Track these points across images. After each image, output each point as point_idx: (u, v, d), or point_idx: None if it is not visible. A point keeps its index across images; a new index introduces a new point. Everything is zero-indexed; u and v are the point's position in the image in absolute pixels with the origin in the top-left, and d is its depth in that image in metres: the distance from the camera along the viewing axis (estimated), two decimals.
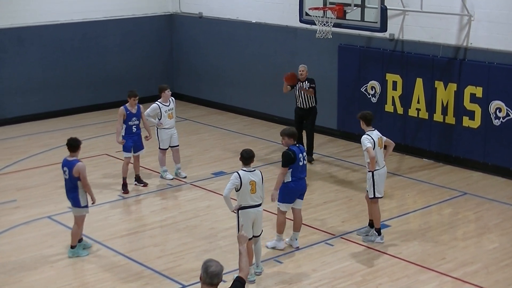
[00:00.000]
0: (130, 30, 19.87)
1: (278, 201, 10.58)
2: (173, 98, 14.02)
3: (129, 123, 13.32)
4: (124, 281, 10.00)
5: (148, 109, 13.66)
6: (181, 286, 9.85)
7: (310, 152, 15.00)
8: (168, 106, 13.76)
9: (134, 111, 13.33)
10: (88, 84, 19.38)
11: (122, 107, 13.30)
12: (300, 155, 10.43)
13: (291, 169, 10.35)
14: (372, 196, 10.98)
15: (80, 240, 10.94)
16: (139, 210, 12.89)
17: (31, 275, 10.24)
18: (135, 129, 13.38)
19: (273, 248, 10.74)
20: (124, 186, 13.40)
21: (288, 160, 10.33)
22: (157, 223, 12.09)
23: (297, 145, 10.55)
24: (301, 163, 10.43)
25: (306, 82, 14.75)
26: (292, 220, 10.95)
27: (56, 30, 18.61)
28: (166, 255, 10.79)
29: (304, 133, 15.02)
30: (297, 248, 10.80)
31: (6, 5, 17.87)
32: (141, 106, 13.51)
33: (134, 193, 13.40)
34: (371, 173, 10.87)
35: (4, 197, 13.25)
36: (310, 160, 14.85)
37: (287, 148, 10.48)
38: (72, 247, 10.81)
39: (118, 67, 19.81)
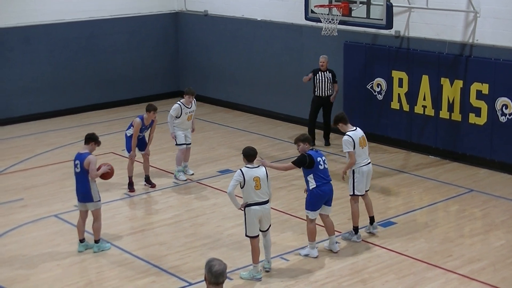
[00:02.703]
0: (136, 28, 19.90)
1: (306, 208, 10.44)
2: (195, 100, 13.99)
3: (139, 133, 13.30)
4: (131, 279, 10.03)
5: (171, 111, 13.67)
6: (187, 284, 9.87)
7: (326, 136, 16.04)
8: (189, 108, 13.77)
9: (147, 124, 13.28)
10: (95, 82, 19.42)
11: (138, 119, 13.11)
12: (319, 158, 10.23)
13: (312, 174, 10.21)
14: (352, 193, 11.00)
15: (83, 240, 10.97)
16: (145, 208, 12.91)
17: (38, 273, 10.27)
18: (140, 137, 13.38)
19: (307, 255, 10.55)
20: (130, 185, 13.42)
21: (301, 161, 10.18)
22: (164, 221, 12.11)
23: (314, 150, 10.43)
24: (321, 167, 10.22)
25: (328, 72, 15.58)
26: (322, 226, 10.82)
27: (62, 29, 18.65)
28: (173, 253, 10.81)
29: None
30: (337, 252, 10.60)
31: (13, 4, 17.92)
32: (156, 119, 13.44)
33: (140, 192, 13.43)
34: (352, 170, 10.88)
35: (11, 196, 13.29)
36: (327, 144, 15.85)
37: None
38: (96, 241, 10.86)
39: (124, 65, 19.84)
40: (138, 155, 13.59)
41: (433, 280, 9.84)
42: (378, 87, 15.80)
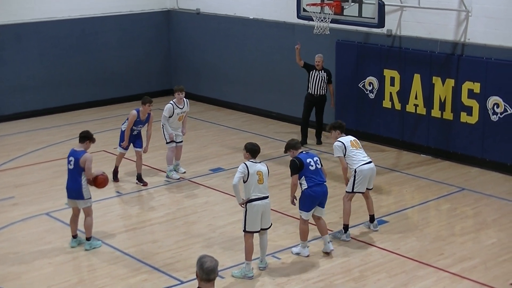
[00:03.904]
0: (128, 26, 19.86)
1: (299, 208, 10.45)
2: (187, 100, 13.92)
3: (133, 127, 13.27)
4: (122, 277, 10.01)
5: (164, 112, 13.58)
6: (179, 282, 9.86)
7: (318, 135, 16.06)
8: (181, 108, 13.71)
9: (143, 118, 13.27)
10: (86, 80, 19.37)
11: (134, 111, 13.15)
12: (309, 160, 10.23)
13: (303, 176, 10.20)
14: (350, 190, 11.02)
15: (75, 236, 10.96)
16: (137, 206, 12.87)
17: (29, 271, 10.24)
18: (136, 132, 13.38)
19: (298, 254, 10.55)
20: (115, 174, 13.56)
21: (294, 167, 10.21)
22: (156, 219, 12.09)
23: (304, 152, 10.45)
24: (312, 168, 10.21)
25: (323, 71, 15.61)
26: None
27: (54, 26, 18.58)
28: (165, 251, 10.80)
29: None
30: (332, 251, 10.54)
31: (4, 2, 17.85)
32: (151, 114, 13.41)
33: (132, 190, 13.41)
34: (354, 170, 10.90)
35: (2, 194, 13.24)
36: (319, 143, 15.90)
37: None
38: (88, 239, 10.85)
39: (116, 63, 19.80)
40: (132, 152, 13.58)
41: (424, 279, 9.86)
42: (370, 86, 15.82)
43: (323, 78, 15.59)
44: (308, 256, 10.50)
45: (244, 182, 9.68)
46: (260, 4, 17.99)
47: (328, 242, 10.62)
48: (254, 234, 9.89)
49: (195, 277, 6.04)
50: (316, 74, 15.60)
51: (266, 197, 9.79)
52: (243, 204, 9.78)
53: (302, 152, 10.40)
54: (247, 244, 9.85)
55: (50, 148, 15.97)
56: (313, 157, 10.37)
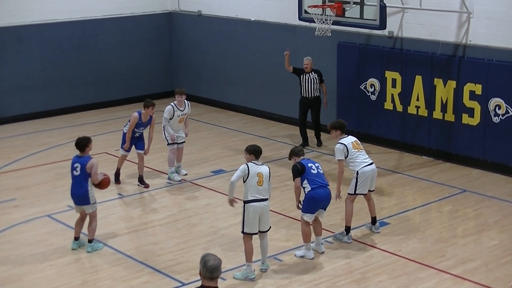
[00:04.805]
0: (129, 28, 19.87)
1: (302, 211, 10.47)
2: (188, 102, 13.92)
3: (135, 129, 13.27)
4: (124, 279, 10.01)
5: (165, 113, 13.58)
6: (181, 284, 9.86)
7: (318, 137, 16.08)
8: (182, 111, 13.71)
9: (145, 120, 13.27)
10: (87, 82, 19.38)
11: (136, 114, 13.15)
12: (310, 164, 10.37)
13: (305, 179, 10.27)
14: (352, 192, 11.03)
15: (77, 238, 10.97)
16: (139, 208, 12.88)
17: (31, 273, 10.24)
18: (137, 135, 13.39)
19: (302, 257, 10.54)
20: (117, 176, 13.56)
21: (295, 171, 10.32)
22: (157, 221, 12.10)
23: (306, 158, 10.55)
24: (313, 171, 10.30)
25: (313, 73, 15.62)
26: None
27: (55, 28, 18.60)
28: (166, 253, 10.80)
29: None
30: (323, 253, 10.61)
31: (5, 3, 17.87)
32: (153, 117, 13.40)
33: (133, 192, 13.41)
34: (356, 172, 10.91)
35: (4, 196, 13.25)
36: (319, 145, 15.91)
37: None
38: (90, 241, 10.85)
39: (117, 65, 19.81)
40: (133, 154, 13.59)
41: (426, 280, 9.86)
42: (371, 88, 15.82)
43: (314, 80, 15.60)
44: (313, 258, 10.50)
45: (244, 181, 9.71)
46: (262, 6, 18.00)
47: (321, 244, 10.68)
48: (254, 236, 9.90)
49: (197, 278, 6.07)
50: (306, 77, 15.60)
51: (265, 200, 9.78)
52: (232, 204, 9.87)
53: (304, 159, 10.51)
54: (246, 246, 9.86)
55: (52, 150, 15.98)
56: (314, 163, 10.51)
